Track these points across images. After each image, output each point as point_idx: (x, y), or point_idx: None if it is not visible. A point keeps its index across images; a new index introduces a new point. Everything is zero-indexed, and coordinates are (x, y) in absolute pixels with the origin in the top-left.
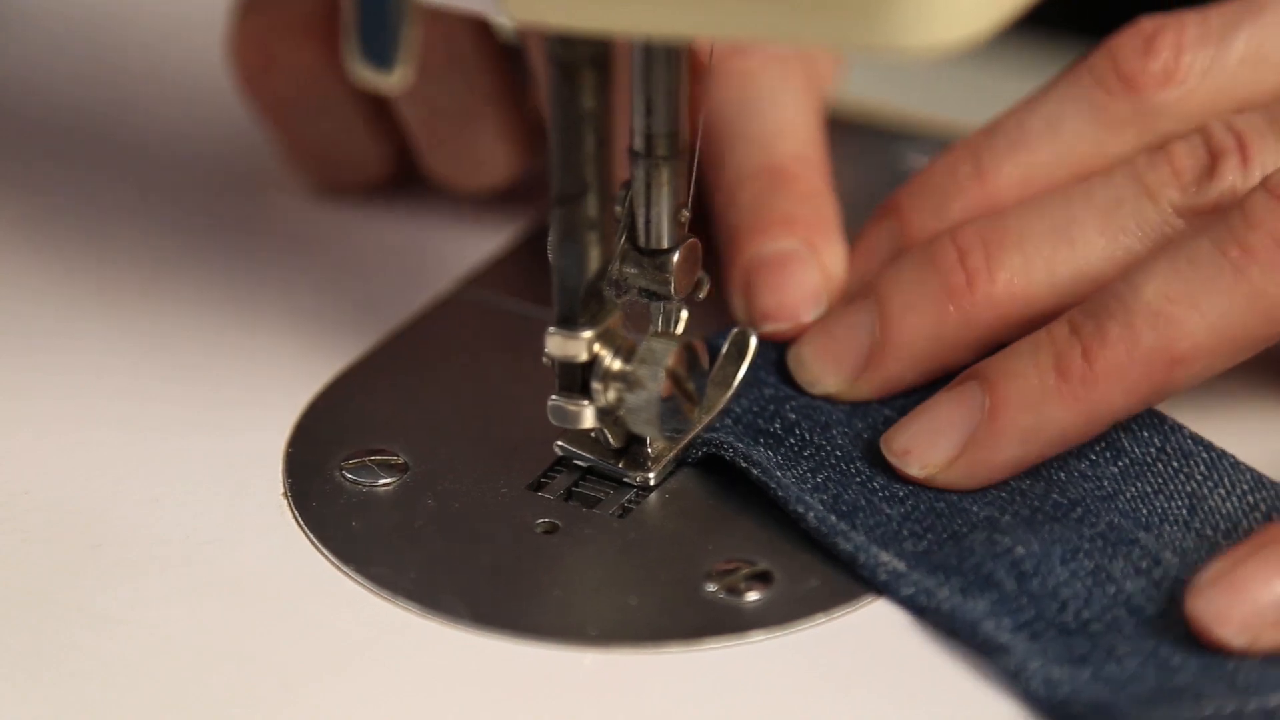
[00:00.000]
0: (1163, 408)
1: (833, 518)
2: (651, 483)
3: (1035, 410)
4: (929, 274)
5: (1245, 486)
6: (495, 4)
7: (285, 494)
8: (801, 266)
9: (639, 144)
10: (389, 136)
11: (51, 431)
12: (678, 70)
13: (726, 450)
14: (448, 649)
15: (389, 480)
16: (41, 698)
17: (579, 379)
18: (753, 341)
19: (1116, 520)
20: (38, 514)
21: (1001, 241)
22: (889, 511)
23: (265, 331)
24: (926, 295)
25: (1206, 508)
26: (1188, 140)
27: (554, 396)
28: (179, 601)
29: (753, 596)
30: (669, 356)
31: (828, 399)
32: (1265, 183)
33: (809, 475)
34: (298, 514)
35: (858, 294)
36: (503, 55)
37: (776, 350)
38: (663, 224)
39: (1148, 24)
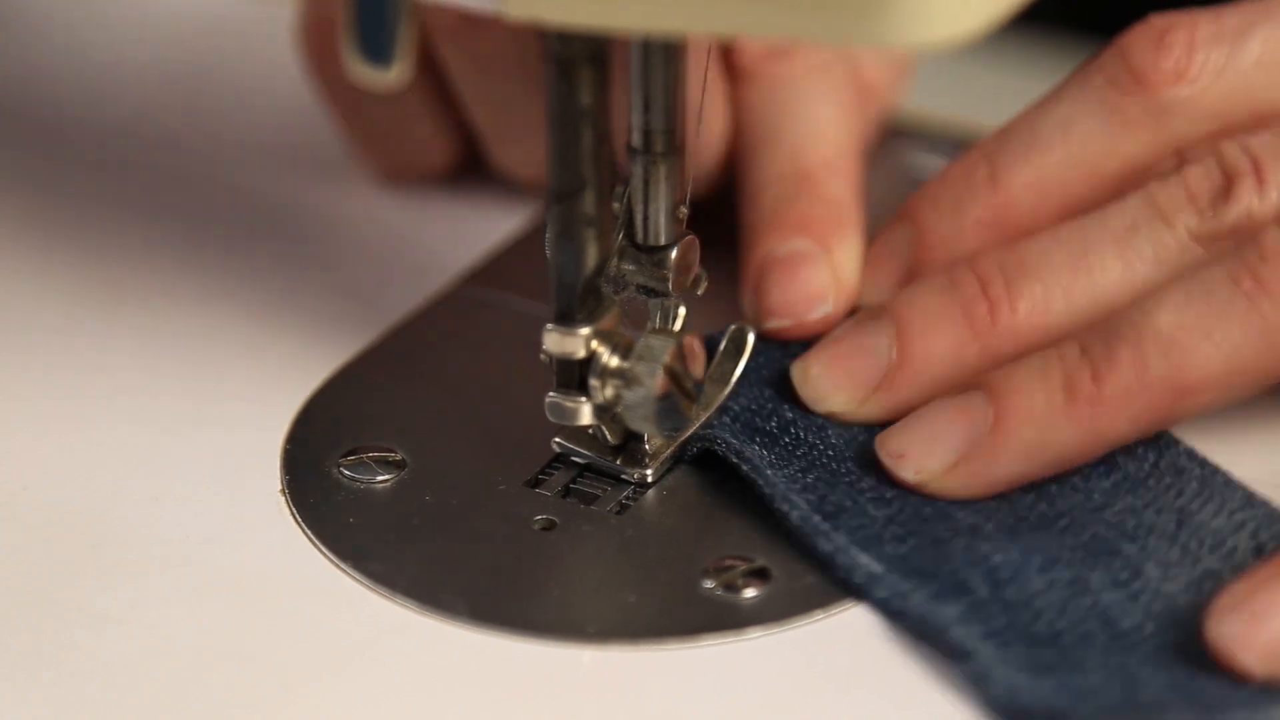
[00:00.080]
0: None
1: (817, 518)
2: (649, 479)
3: (1040, 427)
4: (951, 301)
5: (1235, 504)
6: (495, 0)
7: (283, 491)
8: (812, 266)
9: (637, 140)
10: (452, 128)
11: (50, 430)
12: (675, 66)
13: (719, 445)
14: (445, 646)
15: (387, 477)
16: (41, 698)
17: (577, 376)
18: (750, 338)
19: (1102, 531)
20: (37, 513)
21: (1020, 271)
22: (875, 514)
23: (263, 328)
24: (948, 322)
25: (1195, 523)
26: (1202, 163)
27: (552, 393)
28: (179, 601)
29: (750, 593)
30: (666, 353)
31: (831, 417)
32: None
33: (799, 475)
34: (296, 511)
35: (868, 315)
36: None
37: (777, 349)
38: (661, 220)
39: (1160, 21)
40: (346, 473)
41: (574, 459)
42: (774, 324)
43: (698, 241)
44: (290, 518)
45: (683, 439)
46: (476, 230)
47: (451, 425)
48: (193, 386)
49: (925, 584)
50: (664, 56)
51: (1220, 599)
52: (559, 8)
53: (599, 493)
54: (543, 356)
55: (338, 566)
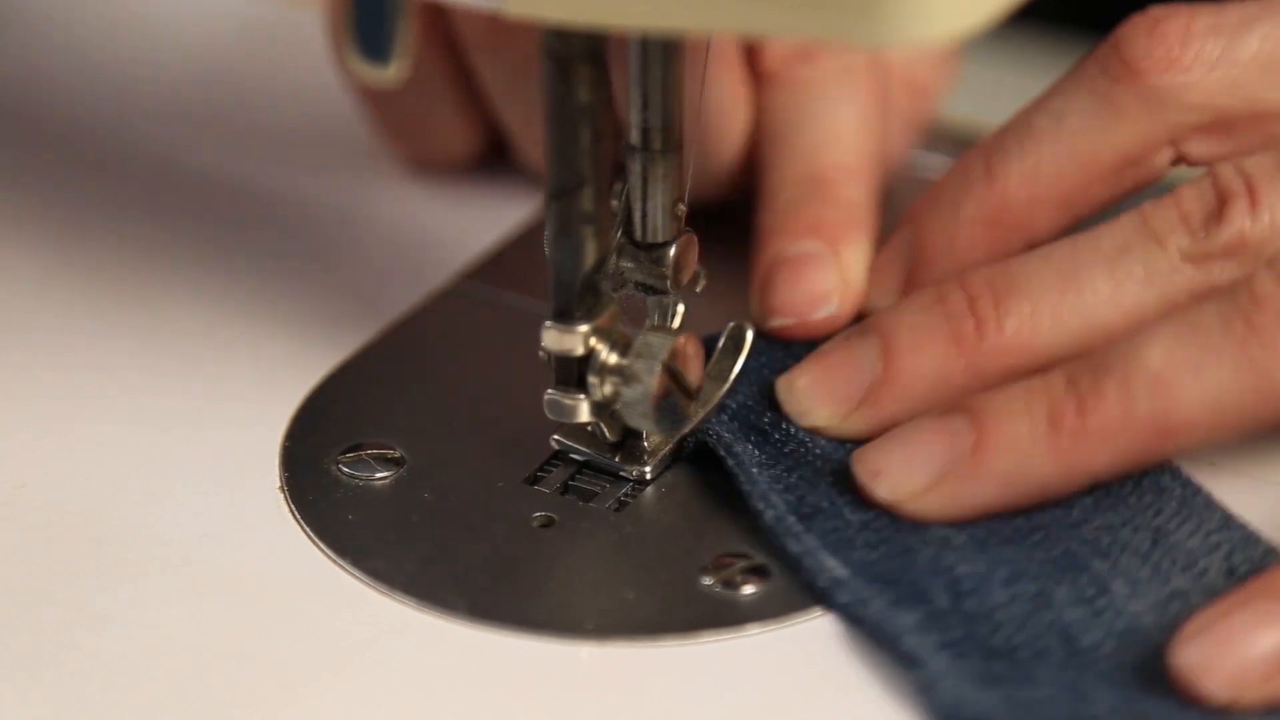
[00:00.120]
0: None
1: (791, 519)
2: (648, 476)
3: (1020, 457)
4: (938, 318)
5: (1213, 525)
6: None
7: (282, 488)
8: (819, 267)
9: (635, 138)
10: (478, 121)
11: (50, 429)
12: (673, 64)
13: (710, 436)
14: (444, 643)
15: (386, 474)
16: (41, 698)
17: (575, 373)
18: (749, 335)
19: (1074, 547)
20: (37, 512)
21: (1009, 289)
22: (851, 518)
23: (262, 326)
24: (934, 338)
25: (1169, 542)
26: (1195, 184)
27: (550, 390)
28: (179, 600)
29: (749, 590)
30: (665, 350)
31: (815, 431)
32: (1273, 263)
33: (784, 474)
34: (295, 508)
35: (856, 330)
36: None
37: (780, 348)
38: (659, 218)
39: (1157, 11)
40: (346, 470)
41: (573, 456)
42: (777, 322)
43: (696, 239)
44: (289, 515)
45: (681, 436)
46: (475, 227)
47: (451, 422)
48: (191, 384)
49: (886, 591)
50: (662, 54)
51: (1187, 625)
52: (557, 5)
53: (598, 490)
54: (541, 354)
55: (337, 564)
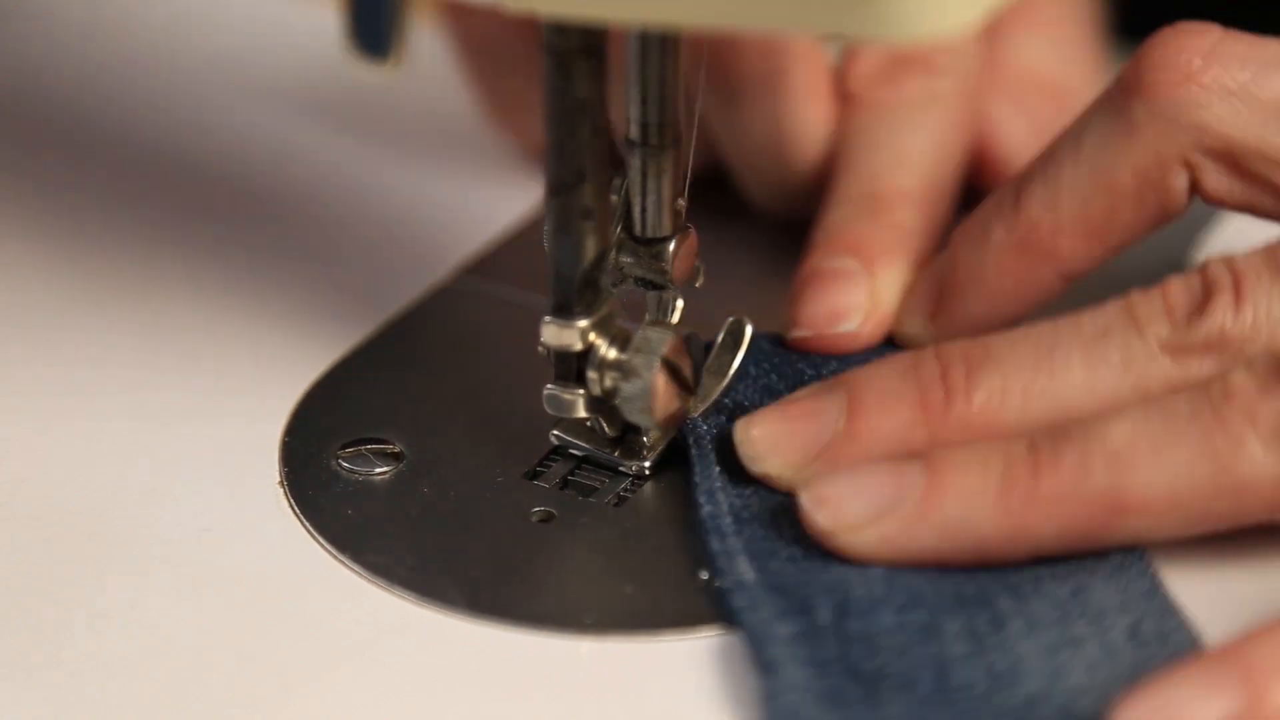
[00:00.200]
0: None
1: (728, 519)
2: (647, 471)
3: (965, 509)
4: (909, 383)
5: (1138, 591)
6: None
7: (282, 483)
8: (849, 283)
9: (634, 133)
10: None
11: (49, 425)
12: (672, 59)
13: (687, 425)
14: (443, 637)
15: (385, 469)
16: (41, 697)
17: (574, 368)
18: (748, 330)
19: (989, 585)
20: (36, 509)
21: (983, 362)
22: (786, 532)
23: (261, 321)
24: (902, 403)
25: (1085, 596)
26: (1185, 275)
27: (549, 385)
28: (178, 597)
29: None
30: (664, 345)
31: (764, 478)
32: (1251, 363)
33: (744, 482)
34: (294, 504)
35: (824, 385)
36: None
37: (800, 359)
38: (659, 213)
39: (1188, 25)
40: (345, 465)
41: (572, 451)
42: (797, 333)
43: (696, 234)
44: (289, 510)
45: (680, 431)
46: (475, 222)
47: (450, 417)
48: (191, 380)
49: (777, 600)
50: (660, 49)
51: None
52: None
53: (597, 484)
54: (541, 349)
55: (337, 559)
